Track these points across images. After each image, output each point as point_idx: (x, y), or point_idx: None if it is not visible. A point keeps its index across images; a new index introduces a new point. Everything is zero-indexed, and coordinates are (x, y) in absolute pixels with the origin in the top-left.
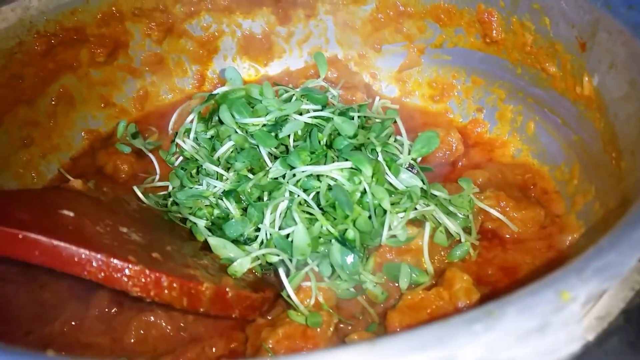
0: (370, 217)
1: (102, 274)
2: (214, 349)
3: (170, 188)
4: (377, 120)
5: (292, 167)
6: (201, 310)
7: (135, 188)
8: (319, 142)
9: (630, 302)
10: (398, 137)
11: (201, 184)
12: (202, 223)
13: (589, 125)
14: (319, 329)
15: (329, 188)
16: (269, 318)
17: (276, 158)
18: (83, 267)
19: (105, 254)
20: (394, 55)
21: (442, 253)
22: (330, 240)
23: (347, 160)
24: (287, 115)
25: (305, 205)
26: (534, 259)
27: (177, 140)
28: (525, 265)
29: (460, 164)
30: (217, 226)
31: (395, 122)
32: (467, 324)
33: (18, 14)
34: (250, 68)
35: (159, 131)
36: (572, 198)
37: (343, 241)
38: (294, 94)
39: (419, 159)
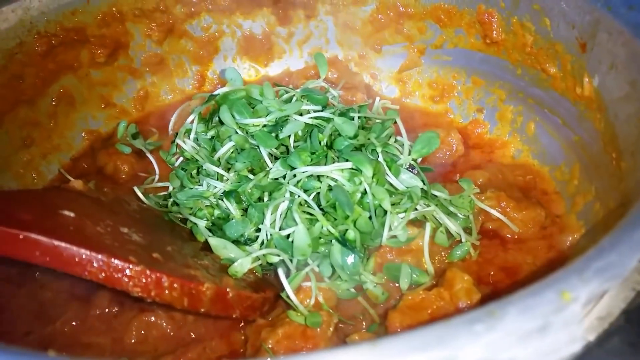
0: (370, 218)
1: (103, 274)
2: (214, 349)
3: (170, 188)
4: (378, 120)
5: (293, 168)
6: (202, 310)
7: (135, 188)
8: (320, 143)
9: (631, 303)
10: (398, 138)
11: (201, 185)
12: (202, 223)
13: (589, 126)
14: (318, 329)
15: (330, 188)
16: (269, 318)
17: (276, 159)
18: (84, 268)
19: (106, 255)
20: (394, 56)
21: (443, 253)
22: (331, 241)
23: (347, 160)
24: (288, 116)
25: (306, 205)
26: (534, 259)
27: (178, 141)
28: (526, 265)
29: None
30: (217, 227)
31: (395, 122)
32: (468, 324)
33: (19, 14)
34: (251, 68)
35: (159, 132)
36: (573, 198)
37: (343, 241)
38: (294, 95)
39: (419, 160)
